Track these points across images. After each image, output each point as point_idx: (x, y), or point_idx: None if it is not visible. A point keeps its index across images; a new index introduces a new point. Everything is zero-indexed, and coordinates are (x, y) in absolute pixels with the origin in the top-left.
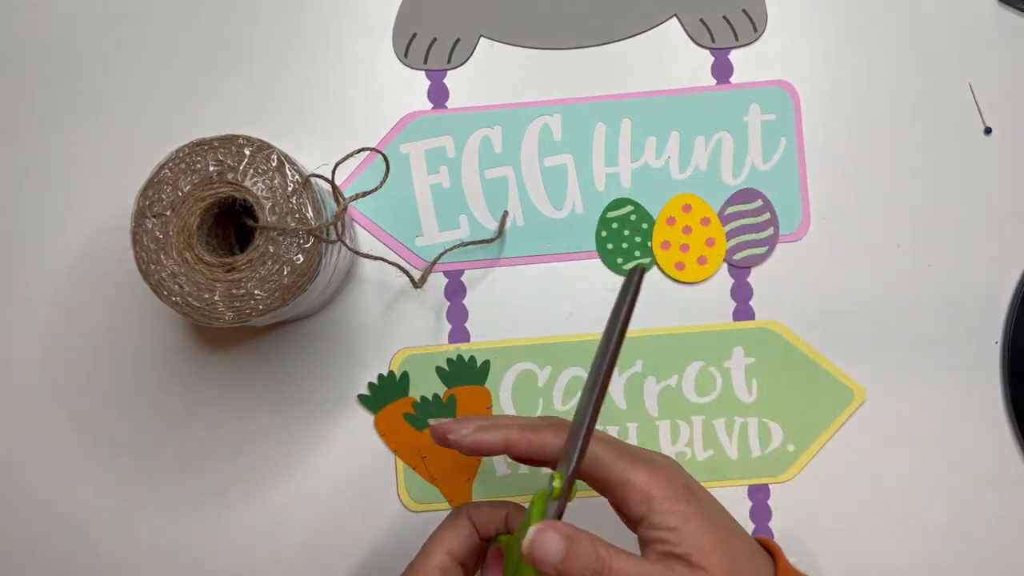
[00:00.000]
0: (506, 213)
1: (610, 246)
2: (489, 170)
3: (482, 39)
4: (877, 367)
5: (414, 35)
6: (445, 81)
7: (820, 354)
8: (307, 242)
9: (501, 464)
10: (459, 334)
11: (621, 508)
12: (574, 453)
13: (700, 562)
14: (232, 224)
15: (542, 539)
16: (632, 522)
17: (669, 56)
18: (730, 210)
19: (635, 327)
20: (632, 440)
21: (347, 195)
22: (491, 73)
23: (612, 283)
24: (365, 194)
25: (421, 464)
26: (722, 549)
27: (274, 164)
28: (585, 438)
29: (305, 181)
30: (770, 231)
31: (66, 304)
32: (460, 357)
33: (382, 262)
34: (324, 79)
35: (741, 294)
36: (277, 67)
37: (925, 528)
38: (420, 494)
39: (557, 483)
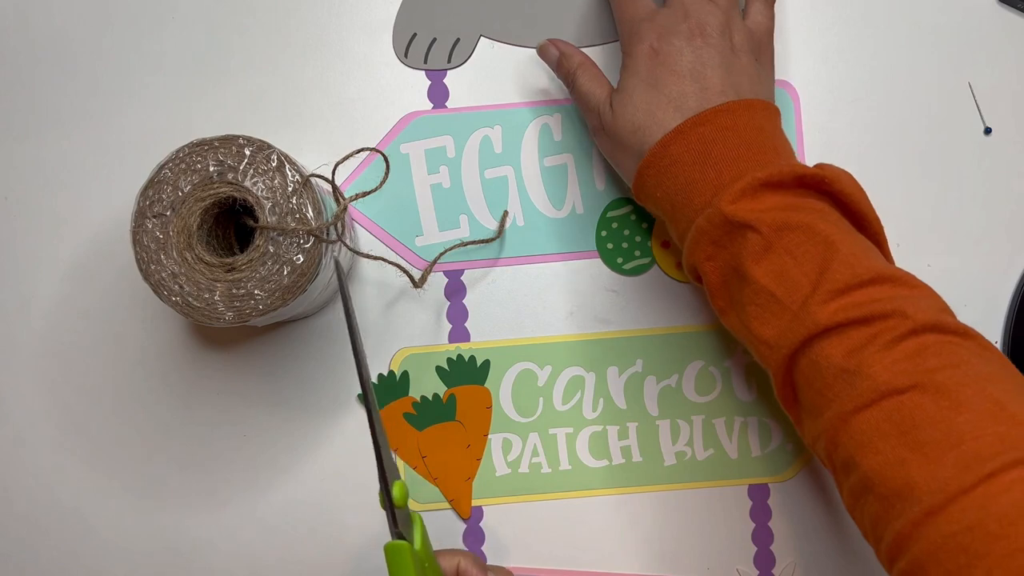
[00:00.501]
0: (506, 213)
1: (610, 246)
2: (489, 170)
3: (482, 39)
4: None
5: (414, 35)
6: (445, 81)
7: None
8: (307, 242)
9: (501, 464)
10: (459, 334)
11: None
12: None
13: (618, 101)
14: (232, 224)
15: (544, 48)
16: None
17: None
18: None
19: (635, 327)
20: (632, 440)
21: (347, 195)
22: (491, 73)
23: (612, 283)
24: (365, 194)
25: (421, 464)
26: (635, 100)
27: (274, 164)
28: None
29: (305, 181)
30: None
31: (66, 304)
32: (460, 357)
33: (382, 262)
34: (324, 79)
35: None
36: (277, 67)
37: None
38: (420, 494)
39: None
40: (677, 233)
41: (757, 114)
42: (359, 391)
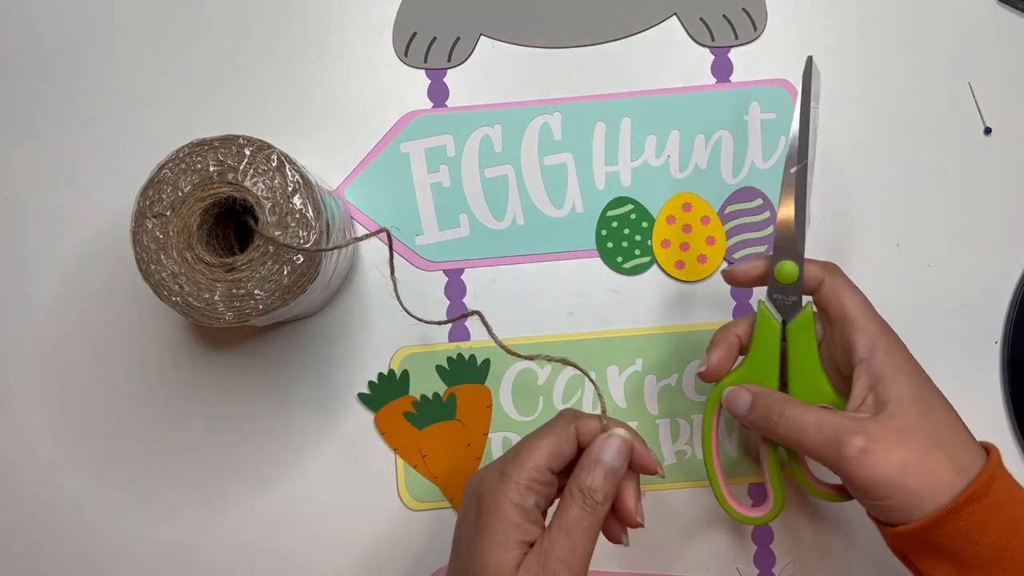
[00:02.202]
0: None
1: (610, 245)
2: (489, 169)
3: (482, 38)
4: None
5: (414, 34)
6: (445, 80)
7: None
8: (307, 242)
9: None
10: (459, 333)
11: (845, 345)
12: (801, 247)
13: (896, 412)
14: (232, 224)
15: (734, 395)
16: (849, 361)
17: (669, 55)
18: (730, 208)
19: (634, 326)
20: None
21: (347, 194)
22: (491, 72)
23: (612, 282)
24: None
25: (421, 463)
26: (925, 416)
27: (274, 164)
28: (800, 226)
29: (306, 181)
30: (770, 230)
31: (67, 304)
32: (460, 356)
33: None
34: (324, 79)
35: (741, 292)
36: (277, 67)
37: None
38: (420, 493)
39: (788, 267)
40: None
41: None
42: (359, 391)
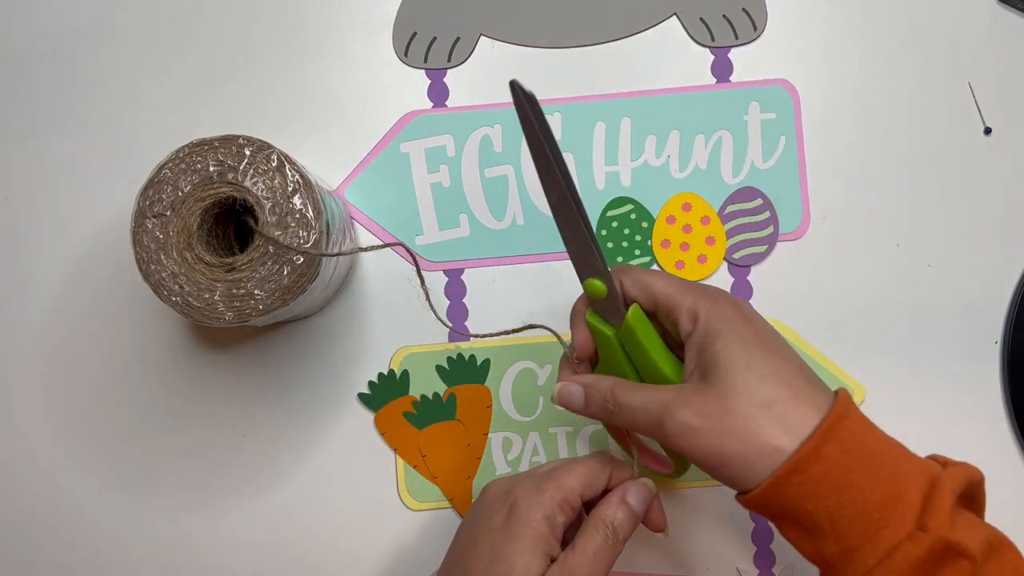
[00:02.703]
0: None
1: (610, 245)
2: (489, 169)
3: (482, 38)
4: (876, 366)
5: (414, 34)
6: (445, 80)
7: (820, 352)
8: (307, 242)
9: (501, 463)
10: (459, 333)
11: (674, 329)
12: (597, 262)
13: (716, 378)
14: (232, 224)
15: (566, 391)
16: (683, 346)
17: (669, 55)
18: (730, 209)
19: None
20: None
21: (347, 194)
22: (491, 72)
23: None
24: None
25: (421, 463)
26: (746, 375)
27: (274, 164)
28: (593, 239)
29: (306, 182)
30: (770, 230)
31: (67, 304)
32: (460, 356)
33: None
34: (324, 79)
35: (741, 292)
36: (277, 67)
37: None
38: (420, 493)
39: (595, 285)
40: (831, 549)
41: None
42: (359, 391)
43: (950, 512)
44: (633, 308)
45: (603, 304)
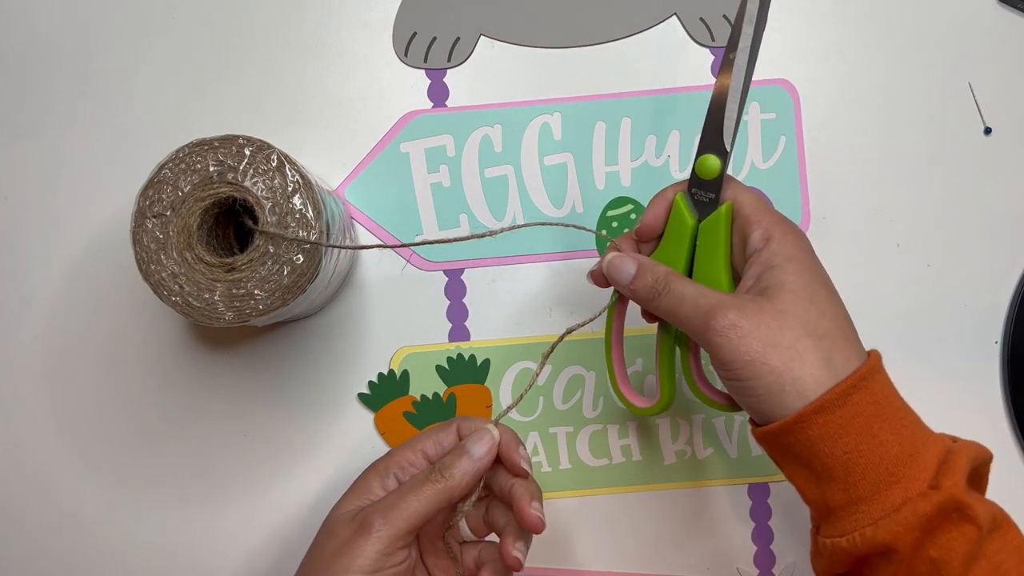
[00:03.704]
0: None
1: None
2: (489, 169)
3: (482, 38)
4: None
5: (414, 34)
6: (445, 80)
7: None
8: (307, 243)
9: None
10: (459, 333)
11: (742, 243)
12: (729, 144)
13: (777, 295)
14: (232, 224)
15: (618, 263)
16: (746, 258)
17: (669, 55)
18: None
19: (635, 326)
20: (632, 439)
21: (347, 194)
22: (491, 72)
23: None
24: None
25: None
26: (807, 304)
27: (274, 164)
28: (731, 123)
29: (306, 182)
30: None
31: (67, 304)
32: (460, 356)
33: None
34: (324, 79)
35: None
36: (277, 67)
37: None
38: None
39: (710, 161)
40: (837, 497)
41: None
42: (359, 391)
43: (963, 477)
44: (727, 205)
45: (700, 187)
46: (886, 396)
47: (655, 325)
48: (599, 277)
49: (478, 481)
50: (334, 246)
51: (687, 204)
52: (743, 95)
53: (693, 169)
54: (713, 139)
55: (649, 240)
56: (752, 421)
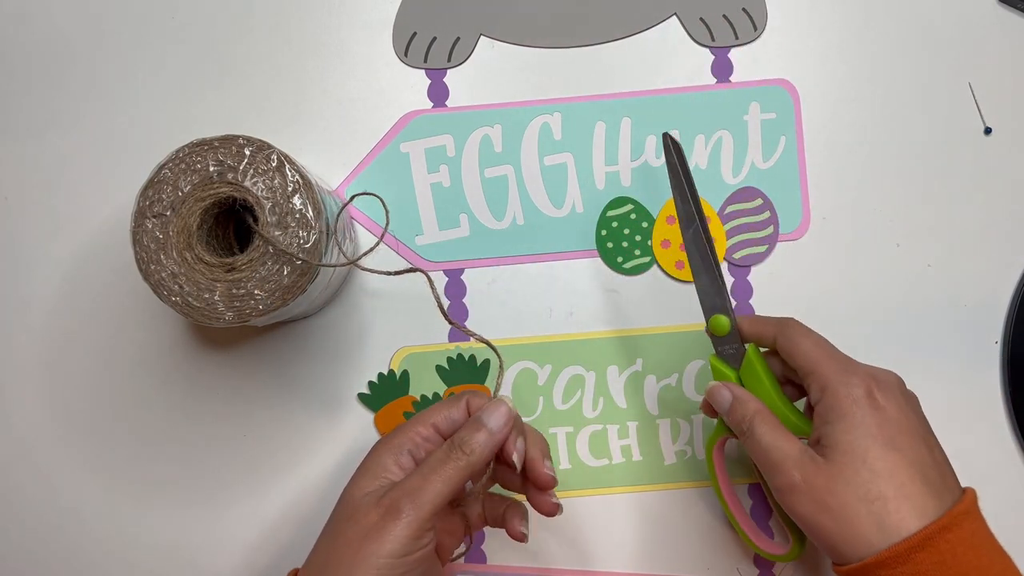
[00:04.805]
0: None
1: (610, 245)
2: (489, 169)
3: (482, 38)
4: (877, 366)
5: (414, 34)
6: (445, 80)
7: None
8: (307, 242)
9: None
10: (459, 333)
11: (807, 391)
12: (724, 301)
13: (831, 458)
14: (232, 224)
15: (715, 392)
16: (813, 406)
17: (669, 55)
18: (730, 209)
19: (635, 326)
20: (632, 439)
21: (347, 194)
22: (491, 72)
23: (612, 282)
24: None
25: None
26: (858, 466)
27: (274, 164)
28: (720, 276)
29: (306, 181)
30: (770, 230)
31: (66, 304)
32: (460, 356)
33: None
34: (324, 79)
35: (741, 292)
36: (277, 67)
37: None
38: None
39: (719, 321)
40: None
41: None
42: (359, 391)
43: None
44: (751, 348)
45: (722, 342)
46: (956, 556)
47: (657, 327)
48: (707, 407)
49: (494, 455)
50: (326, 265)
51: (721, 362)
52: (715, 257)
53: (708, 331)
54: (711, 297)
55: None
56: None
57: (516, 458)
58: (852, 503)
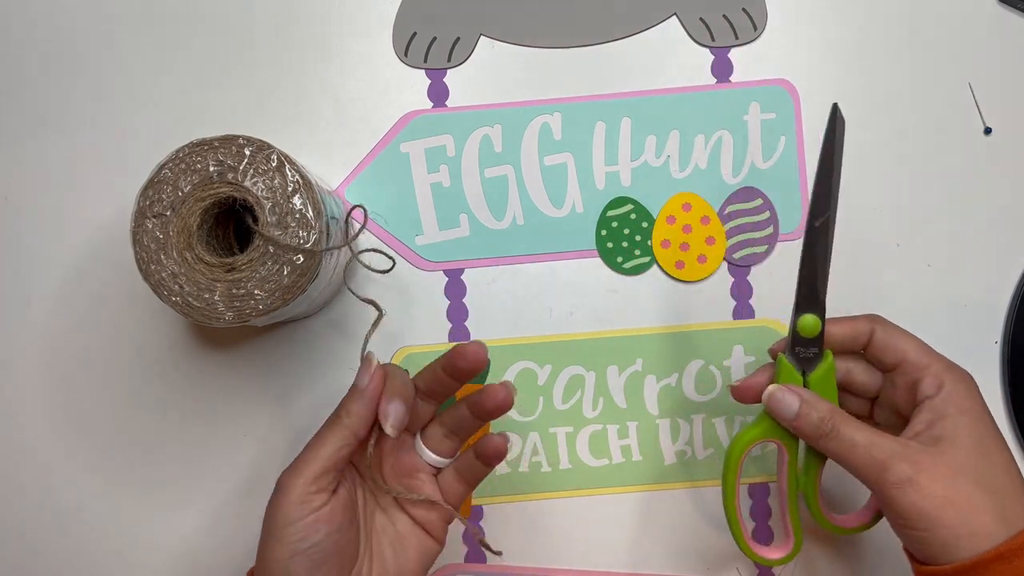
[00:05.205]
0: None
1: (610, 245)
2: (489, 169)
3: (482, 38)
4: None
5: (414, 34)
6: (445, 80)
7: None
8: (307, 242)
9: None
10: (459, 332)
11: (909, 386)
12: (822, 302)
13: (951, 448)
14: (232, 224)
15: (780, 396)
16: (912, 402)
17: (669, 55)
18: (730, 209)
19: (635, 326)
20: (632, 439)
21: (347, 194)
22: (491, 72)
23: (612, 282)
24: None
25: None
26: (981, 458)
27: (274, 164)
28: (823, 278)
29: (306, 181)
30: (770, 230)
31: (66, 304)
32: None
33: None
34: (324, 79)
35: (741, 293)
36: (277, 67)
37: None
38: None
39: (810, 321)
40: None
41: None
42: None
43: None
44: (828, 355)
45: (802, 345)
46: None
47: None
48: (744, 393)
49: (375, 406)
50: (330, 248)
51: (791, 363)
52: (827, 255)
53: (794, 329)
54: (809, 298)
55: (747, 402)
56: (911, 556)
57: (388, 424)
58: (978, 492)
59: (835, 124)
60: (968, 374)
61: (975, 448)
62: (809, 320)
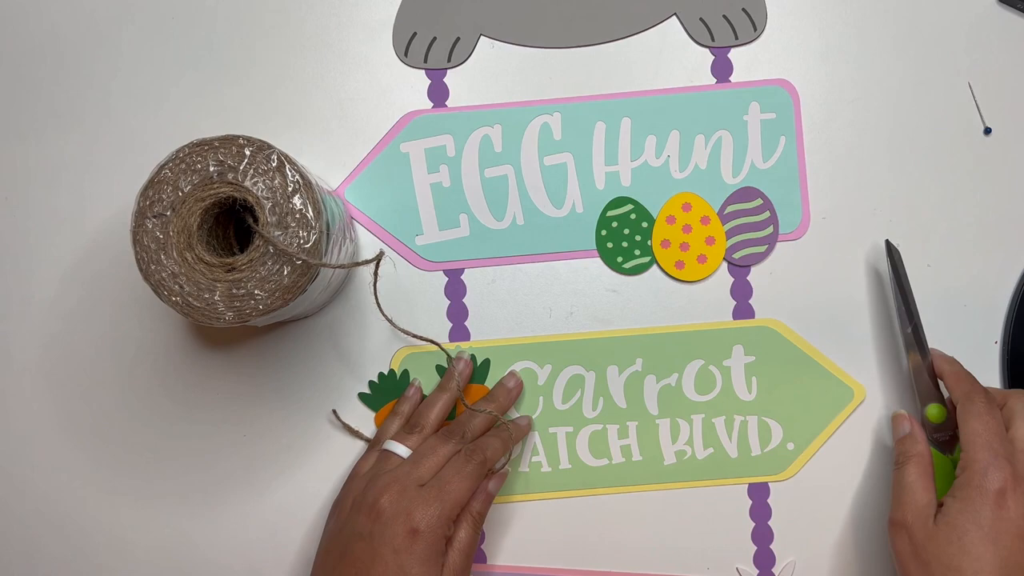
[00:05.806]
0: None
1: (610, 245)
2: (489, 169)
3: (482, 38)
4: (876, 366)
5: (414, 34)
6: (445, 80)
7: (820, 352)
8: (307, 243)
9: (501, 463)
10: (459, 332)
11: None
12: (939, 390)
13: (944, 530)
14: (232, 224)
15: (897, 420)
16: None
17: (669, 55)
18: (730, 209)
19: (635, 326)
20: (632, 439)
21: (347, 194)
22: (491, 72)
23: (612, 282)
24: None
25: None
26: (967, 545)
27: (274, 164)
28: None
29: (306, 182)
30: (770, 230)
31: (66, 304)
32: None
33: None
34: (324, 79)
35: (741, 293)
36: (277, 67)
37: None
38: None
39: (936, 410)
40: None
41: None
42: (359, 391)
43: None
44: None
45: (936, 431)
46: None
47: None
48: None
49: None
50: (330, 266)
51: (937, 452)
52: (926, 352)
53: (925, 419)
54: (926, 390)
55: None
56: None
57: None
58: (937, 566)
59: (895, 261)
60: (1006, 474)
61: (955, 532)
62: (934, 409)
